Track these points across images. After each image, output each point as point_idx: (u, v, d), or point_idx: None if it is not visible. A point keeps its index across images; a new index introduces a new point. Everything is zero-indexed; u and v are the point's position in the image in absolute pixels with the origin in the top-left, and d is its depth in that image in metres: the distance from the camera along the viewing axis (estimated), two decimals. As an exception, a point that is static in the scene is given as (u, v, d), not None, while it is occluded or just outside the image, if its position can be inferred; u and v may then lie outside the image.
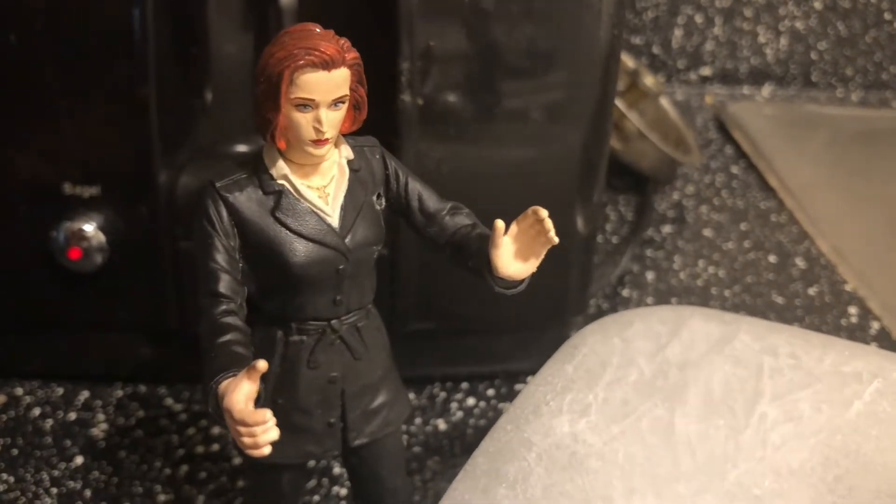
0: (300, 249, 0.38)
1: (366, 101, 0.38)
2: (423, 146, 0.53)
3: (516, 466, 0.39)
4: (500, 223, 0.37)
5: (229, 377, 0.33)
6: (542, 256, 0.38)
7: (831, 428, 0.42)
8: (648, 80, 0.88)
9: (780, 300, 0.74)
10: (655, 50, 1.08)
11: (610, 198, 0.88)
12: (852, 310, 0.73)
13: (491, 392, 0.64)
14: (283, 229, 0.38)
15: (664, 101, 0.93)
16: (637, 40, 1.08)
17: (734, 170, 0.95)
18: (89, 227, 0.54)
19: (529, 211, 0.37)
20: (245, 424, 0.32)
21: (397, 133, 0.53)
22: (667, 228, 0.84)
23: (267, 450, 0.32)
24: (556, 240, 0.37)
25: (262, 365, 0.32)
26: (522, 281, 0.39)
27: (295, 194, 0.38)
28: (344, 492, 0.55)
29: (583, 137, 0.56)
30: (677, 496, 0.39)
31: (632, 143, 0.84)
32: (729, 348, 0.46)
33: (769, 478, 0.40)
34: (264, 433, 0.32)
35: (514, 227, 0.38)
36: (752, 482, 0.39)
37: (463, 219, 0.42)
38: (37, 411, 0.60)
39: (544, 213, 0.37)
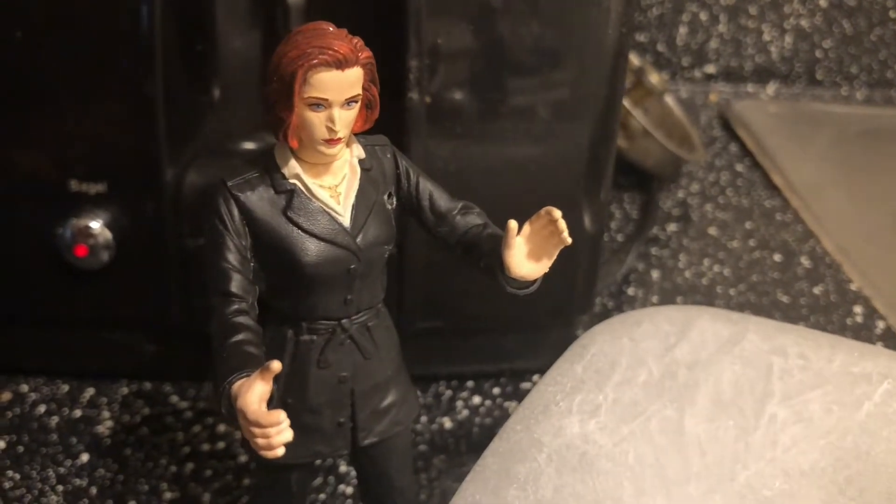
0: (312, 249, 0.38)
1: (378, 100, 0.38)
2: (431, 144, 0.53)
3: (527, 467, 0.39)
4: (513, 223, 0.37)
5: (242, 378, 0.33)
6: (555, 257, 0.38)
7: (842, 429, 0.42)
8: (653, 78, 0.88)
9: (785, 299, 0.74)
10: (660, 47, 1.08)
11: (615, 196, 0.88)
12: (857, 309, 0.73)
13: (497, 391, 0.64)
14: (294, 228, 0.38)
15: (669, 99, 0.93)
16: (642, 38, 1.08)
17: (739, 168, 0.95)
18: (95, 225, 0.54)
19: (543, 211, 0.37)
20: (259, 426, 0.32)
21: (405, 131, 0.52)
22: (672, 227, 0.84)
23: (281, 451, 0.32)
24: (570, 240, 0.37)
25: (276, 366, 0.32)
26: (535, 281, 0.39)
27: (307, 193, 0.38)
28: (350, 490, 0.55)
29: (590, 135, 0.56)
30: (687, 497, 0.39)
31: (637, 141, 0.84)
32: (738, 349, 0.46)
33: (779, 479, 0.40)
34: (278, 434, 0.32)
35: (526, 228, 0.38)
36: (762, 483, 0.39)
37: (474, 218, 0.41)
38: (42, 408, 0.60)
39: (558, 213, 0.37)
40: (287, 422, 0.32)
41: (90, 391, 0.61)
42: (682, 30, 1.07)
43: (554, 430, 0.41)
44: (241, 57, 0.54)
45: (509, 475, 0.39)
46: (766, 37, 1.08)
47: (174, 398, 0.61)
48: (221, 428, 0.59)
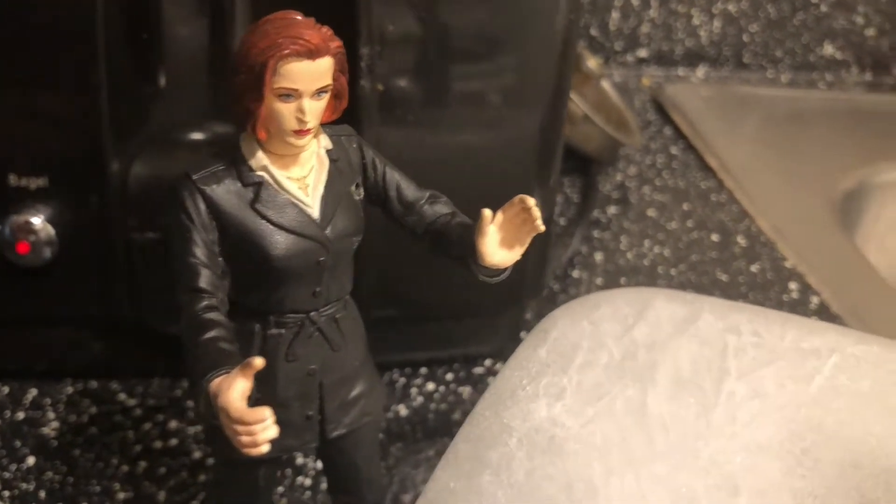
0: (281, 242, 0.37)
1: (347, 89, 0.38)
2: (383, 132, 0.53)
3: (499, 452, 0.40)
4: (487, 212, 0.37)
5: (221, 375, 0.33)
6: (527, 244, 0.38)
7: (795, 403, 0.43)
8: (591, 63, 0.89)
9: (724, 277, 0.76)
10: (593, 32, 1.09)
11: (555, 180, 0.89)
12: (793, 285, 0.76)
13: (450, 376, 0.64)
14: (263, 221, 0.37)
15: (605, 84, 0.94)
16: (575, 22, 1.09)
17: (674, 150, 0.97)
18: (37, 220, 0.52)
19: (516, 199, 0.37)
20: (243, 423, 0.31)
21: (357, 119, 0.52)
22: (612, 210, 0.86)
23: (265, 448, 0.32)
24: (543, 228, 0.37)
25: (259, 362, 0.31)
26: (506, 269, 0.39)
27: (275, 185, 0.37)
28: (308, 482, 0.54)
29: (540, 121, 0.56)
30: (654, 476, 0.40)
31: (577, 126, 0.85)
32: (693, 328, 0.47)
33: (740, 454, 0.41)
34: (263, 431, 0.31)
35: (499, 216, 0.38)
36: (724, 458, 0.41)
37: (442, 207, 0.41)
38: (-17, 412, 0.58)
39: (531, 201, 0.37)
40: (272, 418, 0.31)
41: (33, 392, 0.59)
42: (615, 14, 1.09)
43: (522, 415, 0.41)
44: (187, 45, 0.53)
45: (482, 461, 0.39)
46: (696, 21, 1.11)
47: (122, 396, 0.59)
48: (173, 424, 0.58)
